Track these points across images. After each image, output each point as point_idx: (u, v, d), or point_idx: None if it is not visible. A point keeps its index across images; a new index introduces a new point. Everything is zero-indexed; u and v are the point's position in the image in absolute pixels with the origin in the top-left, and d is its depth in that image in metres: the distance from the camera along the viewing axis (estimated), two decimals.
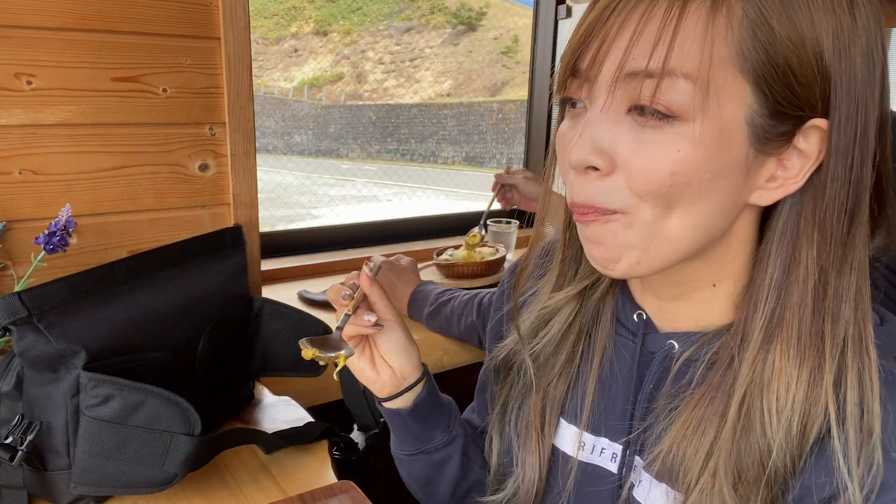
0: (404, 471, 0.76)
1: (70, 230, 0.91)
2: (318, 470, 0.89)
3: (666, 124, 0.46)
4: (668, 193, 0.47)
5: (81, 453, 0.75)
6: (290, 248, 1.71)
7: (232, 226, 1.07)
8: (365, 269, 0.69)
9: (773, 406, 0.48)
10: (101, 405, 0.74)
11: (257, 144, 1.18)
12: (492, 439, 0.72)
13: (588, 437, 0.62)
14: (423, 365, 0.72)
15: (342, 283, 0.69)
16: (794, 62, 0.44)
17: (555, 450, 0.64)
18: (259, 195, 1.20)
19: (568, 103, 0.52)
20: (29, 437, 0.75)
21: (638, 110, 0.47)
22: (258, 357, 1.06)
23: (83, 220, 1.03)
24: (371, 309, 0.68)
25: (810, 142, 0.47)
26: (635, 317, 0.61)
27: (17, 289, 0.87)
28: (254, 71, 1.15)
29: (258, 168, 1.19)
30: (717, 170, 0.46)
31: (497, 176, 1.73)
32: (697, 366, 0.54)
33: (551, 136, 0.58)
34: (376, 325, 0.67)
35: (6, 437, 0.75)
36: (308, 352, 0.65)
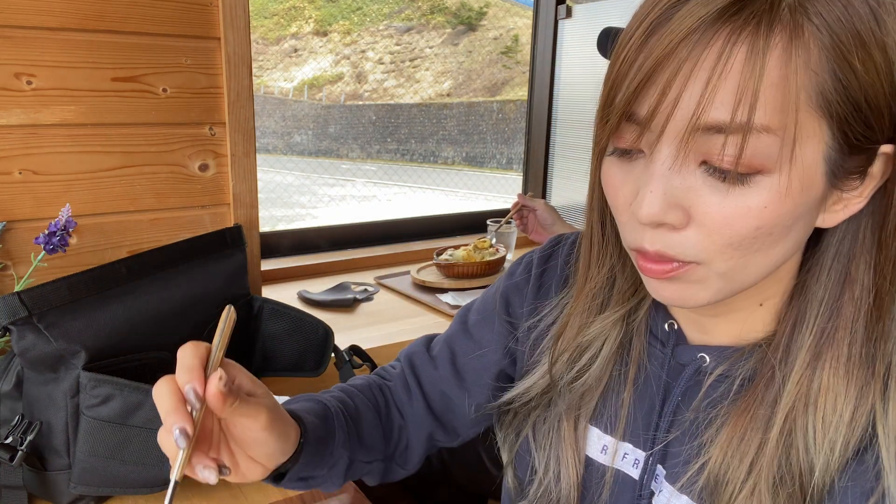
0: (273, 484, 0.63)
1: (70, 230, 0.91)
2: None
3: (748, 179, 0.43)
4: (748, 245, 0.45)
5: (81, 453, 0.75)
6: (290, 248, 1.71)
7: (232, 226, 1.07)
8: (214, 382, 0.46)
9: (819, 424, 0.47)
10: (101, 405, 0.74)
11: (257, 144, 1.18)
12: (503, 446, 0.68)
13: (610, 440, 0.60)
14: (296, 424, 0.58)
15: (171, 384, 0.47)
16: (871, 95, 0.42)
17: (581, 452, 0.62)
18: (259, 195, 1.20)
19: (617, 150, 0.48)
20: (29, 437, 0.75)
21: (716, 167, 0.43)
22: (258, 357, 1.06)
23: (83, 220, 1.03)
24: (223, 426, 0.51)
25: (875, 164, 0.45)
26: (666, 326, 0.58)
27: (17, 289, 0.87)
28: (254, 71, 1.15)
29: (258, 168, 1.19)
30: (797, 214, 0.44)
31: (519, 196, 1.74)
32: (731, 381, 0.52)
33: (592, 172, 0.53)
34: (222, 471, 0.50)
35: (6, 437, 0.75)
36: None
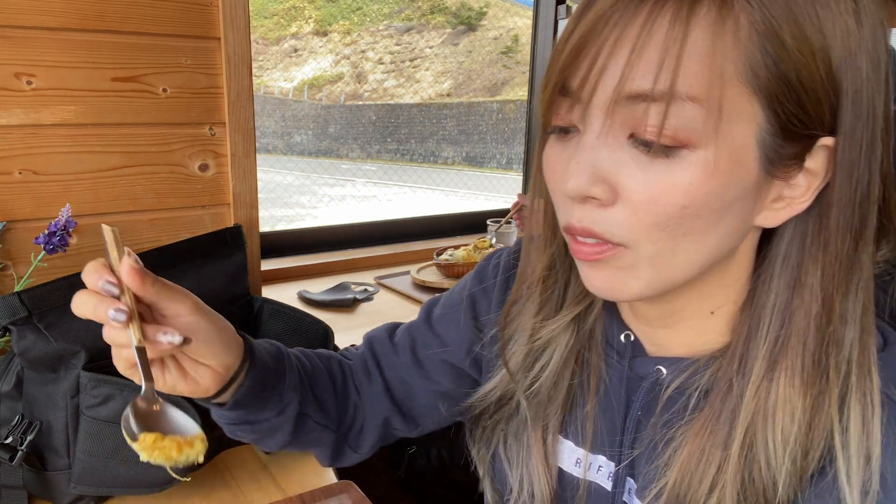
0: (225, 427, 0.62)
1: (70, 230, 0.91)
2: (318, 470, 0.89)
3: (674, 153, 0.42)
4: (675, 226, 0.43)
5: (81, 453, 0.75)
6: (290, 248, 1.71)
7: (232, 226, 1.07)
8: (126, 260, 0.48)
9: (779, 437, 0.45)
10: (101, 405, 0.74)
11: (257, 144, 1.18)
12: (477, 460, 0.66)
13: (583, 453, 0.59)
14: (242, 336, 0.58)
15: (86, 290, 0.49)
16: (805, 76, 0.41)
17: (552, 462, 0.61)
18: (259, 195, 1.20)
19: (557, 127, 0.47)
20: (29, 437, 0.75)
21: (641, 139, 0.42)
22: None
23: (83, 220, 1.03)
24: (155, 318, 0.51)
25: (817, 160, 0.44)
26: (622, 338, 0.57)
27: (17, 289, 0.87)
28: (254, 71, 1.15)
29: (258, 168, 1.19)
30: (728, 197, 0.43)
31: (519, 196, 1.74)
32: (689, 394, 0.51)
33: (535, 155, 0.52)
34: (185, 340, 0.50)
35: (6, 437, 0.75)
36: (147, 449, 0.47)
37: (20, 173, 0.99)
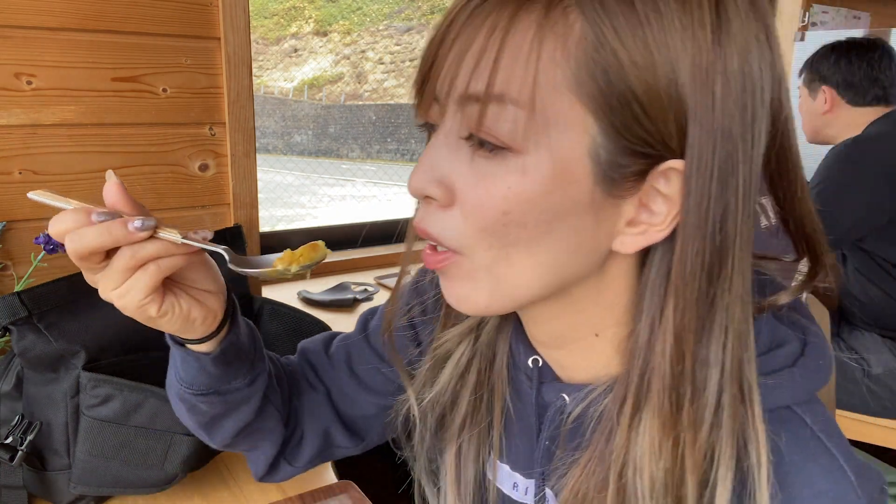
0: (184, 406, 0.61)
1: None
2: (318, 470, 0.89)
3: (499, 156, 0.41)
4: (503, 233, 0.42)
5: (81, 453, 0.75)
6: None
7: (232, 226, 1.07)
8: (109, 180, 0.49)
9: (647, 484, 0.42)
10: (101, 405, 0.74)
11: (257, 144, 1.18)
12: (421, 481, 0.65)
13: (519, 478, 0.58)
14: (228, 289, 0.58)
15: (79, 226, 0.47)
16: (641, 91, 0.38)
17: (485, 483, 0.61)
18: (259, 195, 1.20)
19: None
20: (29, 437, 0.75)
21: (473, 139, 0.41)
22: None
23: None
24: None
25: (672, 186, 0.40)
26: (530, 362, 0.54)
27: (17, 289, 0.87)
28: (254, 71, 1.15)
29: (258, 168, 1.19)
30: (555, 209, 0.41)
31: None
32: (586, 425, 0.48)
33: None
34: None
35: (6, 437, 0.75)
36: (291, 261, 0.51)
37: (20, 173, 0.99)
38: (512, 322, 0.56)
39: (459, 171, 0.43)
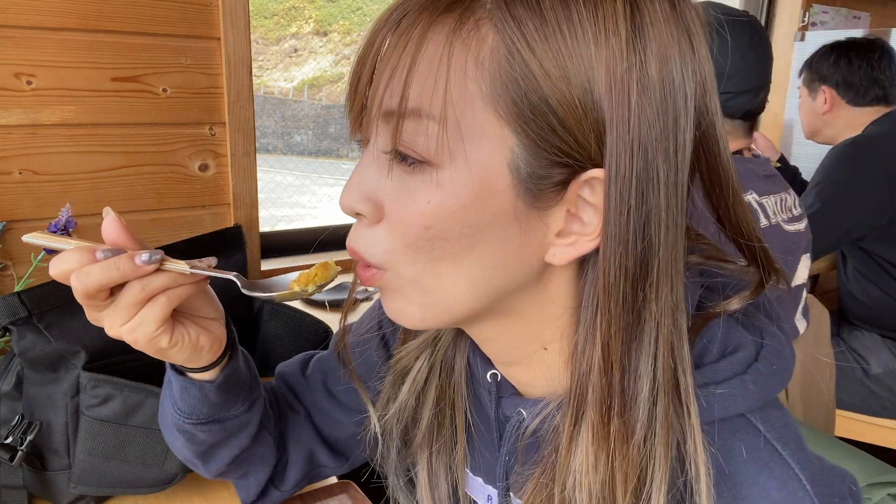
0: (182, 437, 0.60)
1: (70, 230, 0.91)
2: None
3: (419, 170, 0.40)
4: (427, 249, 0.41)
5: (81, 453, 0.75)
6: (290, 248, 1.71)
7: (232, 226, 1.06)
8: (107, 217, 0.49)
9: (585, 499, 0.41)
10: (101, 405, 0.74)
11: (257, 144, 1.18)
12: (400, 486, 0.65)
13: (478, 481, 0.58)
14: (227, 317, 0.58)
15: (83, 265, 0.47)
16: (555, 101, 0.38)
17: (458, 496, 0.60)
18: (259, 195, 1.20)
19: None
20: (29, 437, 0.75)
21: (395, 154, 0.41)
22: (258, 357, 1.06)
23: (83, 220, 1.03)
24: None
25: (597, 195, 0.40)
26: (489, 377, 0.54)
27: (17, 289, 0.87)
28: (254, 71, 1.15)
29: (258, 168, 1.19)
30: (477, 223, 0.40)
31: None
32: (543, 438, 0.48)
33: None
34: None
35: (6, 437, 0.75)
36: (307, 281, 0.51)
37: (20, 173, 0.99)
38: (468, 337, 0.55)
39: (385, 187, 0.42)
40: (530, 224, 0.41)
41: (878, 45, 1.77)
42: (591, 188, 0.40)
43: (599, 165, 0.39)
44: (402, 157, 0.41)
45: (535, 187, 0.40)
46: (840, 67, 1.76)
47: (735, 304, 0.45)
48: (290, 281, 0.52)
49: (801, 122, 1.91)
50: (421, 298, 0.44)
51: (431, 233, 0.41)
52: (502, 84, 0.38)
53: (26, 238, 0.49)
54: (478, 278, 0.43)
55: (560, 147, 0.39)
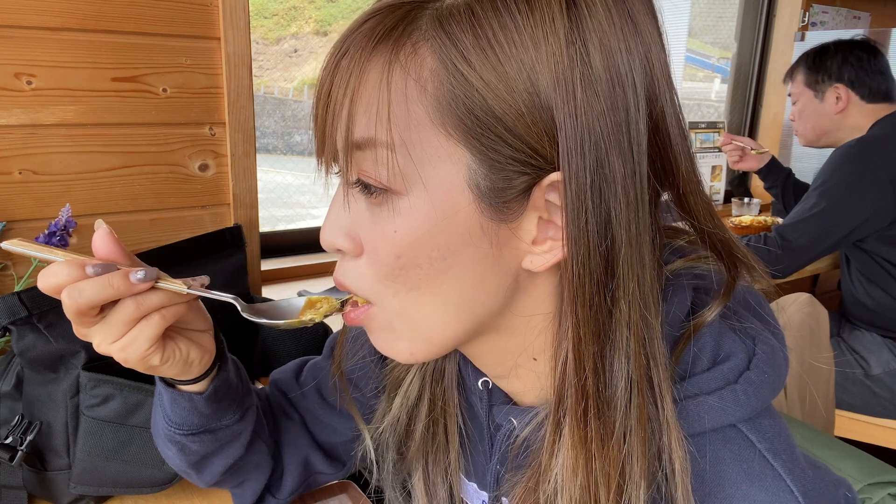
0: (174, 448, 0.59)
1: (70, 230, 0.91)
2: None
3: (384, 200, 0.40)
4: (403, 278, 0.41)
5: (81, 453, 0.75)
6: (290, 248, 1.71)
7: (232, 226, 1.06)
8: (98, 230, 0.48)
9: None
10: (101, 405, 0.74)
11: (257, 144, 1.18)
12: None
13: (472, 487, 0.58)
14: (216, 327, 0.58)
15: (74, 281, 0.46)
16: (501, 111, 0.37)
17: (454, 502, 0.60)
18: (259, 195, 1.20)
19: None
20: (29, 437, 0.75)
21: (360, 185, 0.41)
22: (258, 357, 1.06)
23: (83, 220, 1.03)
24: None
25: (562, 197, 0.39)
26: (480, 385, 0.53)
27: (17, 289, 0.87)
28: (254, 71, 1.15)
29: (258, 168, 1.19)
30: (447, 245, 0.40)
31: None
32: (533, 447, 0.47)
33: None
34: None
35: (6, 437, 0.75)
36: (313, 311, 0.51)
37: (20, 173, 0.99)
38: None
39: (359, 220, 0.42)
40: (501, 237, 0.41)
41: (871, 42, 1.77)
42: (557, 192, 0.39)
43: (557, 168, 0.39)
44: (367, 188, 0.41)
45: (498, 200, 0.39)
46: (851, 64, 1.72)
47: (714, 309, 0.44)
48: (289, 304, 0.52)
49: (803, 128, 1.84)
50: (408, 333, 0.44)
51: (402, 261, 0.41)
52: (447, 103, 0.38)
53: (5, 245, 0.47)
54: (457, 302, 0.42)
55: (514, 156, 0.38)
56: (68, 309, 0.46)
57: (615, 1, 0.38)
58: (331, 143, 0.42)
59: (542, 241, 0.41)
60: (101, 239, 0.47)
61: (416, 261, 0.40)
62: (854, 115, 1.75)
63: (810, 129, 1.84)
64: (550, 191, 0.40)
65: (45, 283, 0.46)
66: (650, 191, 0.40)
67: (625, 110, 0.38)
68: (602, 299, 0.39)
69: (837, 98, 1.74)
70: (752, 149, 2.03)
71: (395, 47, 0.38)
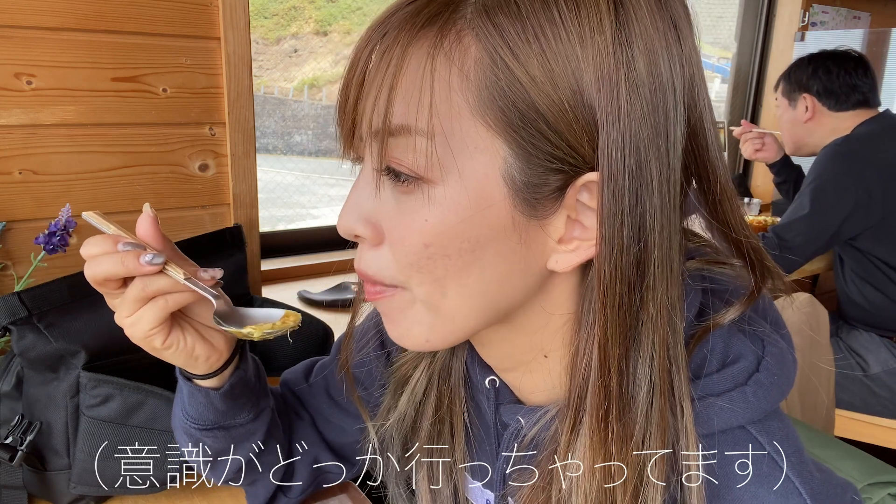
0: (189, 441, 0.61)
1: (70, 230, 0.91)
2: None
3: (414, 188, 0.40)
4: (430, 268, 0.41)
5: (81, 453, 0.75)
6: (290, 248, 1.71)
7: (232, 226, 1.06)
8: (144, 214, 0.51)
9: None
10: (101, 405, 0.74)
11: (257, 144, 1.18)
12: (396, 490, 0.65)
13: (477, 486, 0.58)
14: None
15: (99, 253, 0.50)
16: (544, 106, 0.37)
17: (458, 502, 0.60)
18: (259, 195, 1.20)
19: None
20: (29, 437, 0.75)
21: (389, 173, 0.40)
22: (258, 355, 1.06)
23: (83, 220, 1.03)
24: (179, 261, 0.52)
25: (595, 199, 0.39)
26: (487, 383, 0.53)
27: (17, 289, 0.87)
28: (254, 71, 1.15)
29: (258, 168, 1.19)
30: (476, 237, 0.40)
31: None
32: (541, 447, 0.47)
33: None
34: (217, 283, 0.52)
35: (6, 437, 0.75)
36: (256, 329, 0.51)
37: (20, 173, 0.99)
38: (466, 343, 0.55)
39: (382, 208, 0.42)
40: (530, 233, 0.41)
41: (853, 55, 1.80)
42: (589, 192, 0.40)
43: (595, 169, 0.39)
44: (396, 176, 0.40)
45: (531, 196, 0.39)
46: (819, 76, 1.79)
47: (732, 313, 0.45)
48: (267, 314, 0.53)
49: (784, 138, 1.92)
50: (427, 319, 0.44)
51: (431, 251, 0.40)
52: (489, 94, 0.37)
53: (85, 215, 0.53)
54: (482, 294, 0.42)
55: (553, 153, 0.38)
56: (88, 277, 0.50)
57: (658, 6, 0.38)
58: (360, 125, 0.41)
59: (568, 240, 0.41)
60: (143, 222, 0.51)
61: (445, 251, 0.40)
62: (825, 123, 1.80)
63: (788, 137, 1.91)
64: (583, 190, 0.40)
65: (84, 250, 0.50)
66: (681, 195, 0.40)
67: (664, 115, 0.38)
68: (632, 301, 0.39)
69: (806, 108, 1.81)
70: (771, 133, 2.05)
71: (440, 34, 0.38)
